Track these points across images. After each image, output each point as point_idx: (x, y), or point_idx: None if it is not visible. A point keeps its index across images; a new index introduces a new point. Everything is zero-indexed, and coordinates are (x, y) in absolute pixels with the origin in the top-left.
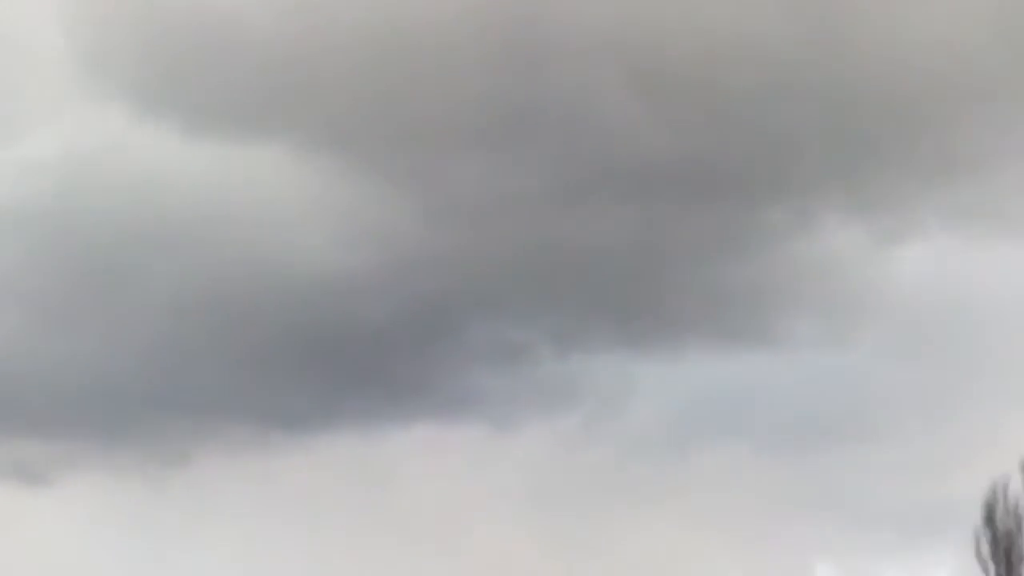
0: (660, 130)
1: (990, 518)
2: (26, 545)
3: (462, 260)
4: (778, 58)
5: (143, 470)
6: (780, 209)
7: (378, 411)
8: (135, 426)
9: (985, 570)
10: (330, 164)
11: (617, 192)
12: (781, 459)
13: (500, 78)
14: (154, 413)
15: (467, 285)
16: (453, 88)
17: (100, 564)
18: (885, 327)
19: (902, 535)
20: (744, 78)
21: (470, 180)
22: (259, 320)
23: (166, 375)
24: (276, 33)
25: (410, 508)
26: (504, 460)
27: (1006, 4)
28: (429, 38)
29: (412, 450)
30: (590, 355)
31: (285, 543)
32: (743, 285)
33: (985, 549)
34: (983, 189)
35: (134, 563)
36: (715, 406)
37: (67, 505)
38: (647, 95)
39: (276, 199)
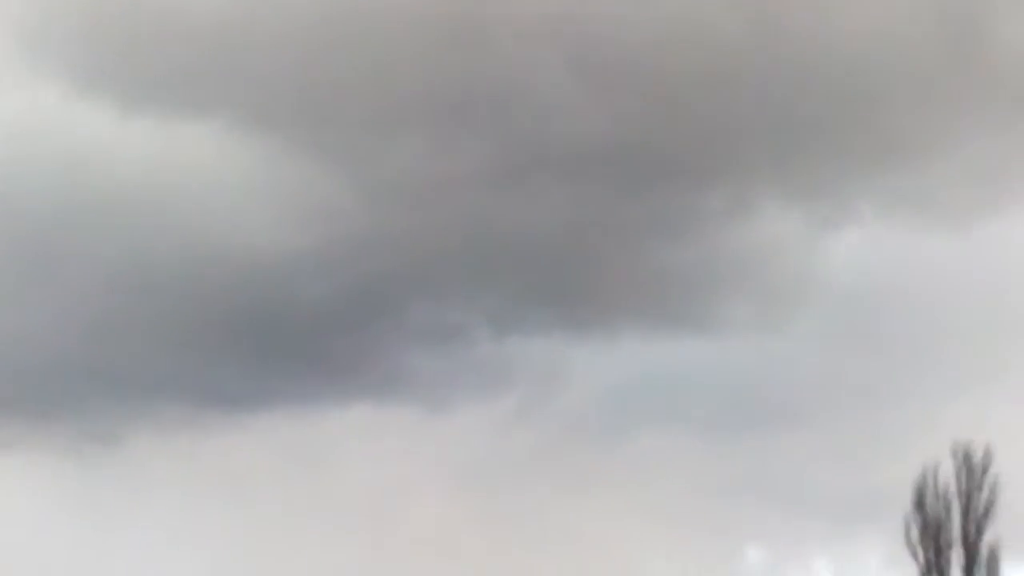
0: (600, 114)
1: (920, 504)
2: None
3: (401, 241)
4: (719, 46)
5: (77, 448)
6: (718, 195)
7: (315, 391)
8: (69, 405)
9: (914, 555)
10: (269, 143)
11: (557, 175)
12: (715, 443)
13: (441, 60)
14: (89, 392)
15: (405, 266)
16: (394, 69)
17: (33, 541)
18: (820, 313)
19: (833, 520)
20: (685, 65)
21: (410, 161)
22: (196, 299)
23: (101, 354)
24: (216, 11)
25: (345, 488)
26: (439, 441)
27: None
28: (370, 19)
29: (348, 430)
30: (527, 337)
31: (219, 522)
32: (680, 270)
33: (915, 534)
34: (918, 178)
35: (68, 540)
36: (650, 390)
37: (0, 482)
38: (588, 79)
39: (214, 178)
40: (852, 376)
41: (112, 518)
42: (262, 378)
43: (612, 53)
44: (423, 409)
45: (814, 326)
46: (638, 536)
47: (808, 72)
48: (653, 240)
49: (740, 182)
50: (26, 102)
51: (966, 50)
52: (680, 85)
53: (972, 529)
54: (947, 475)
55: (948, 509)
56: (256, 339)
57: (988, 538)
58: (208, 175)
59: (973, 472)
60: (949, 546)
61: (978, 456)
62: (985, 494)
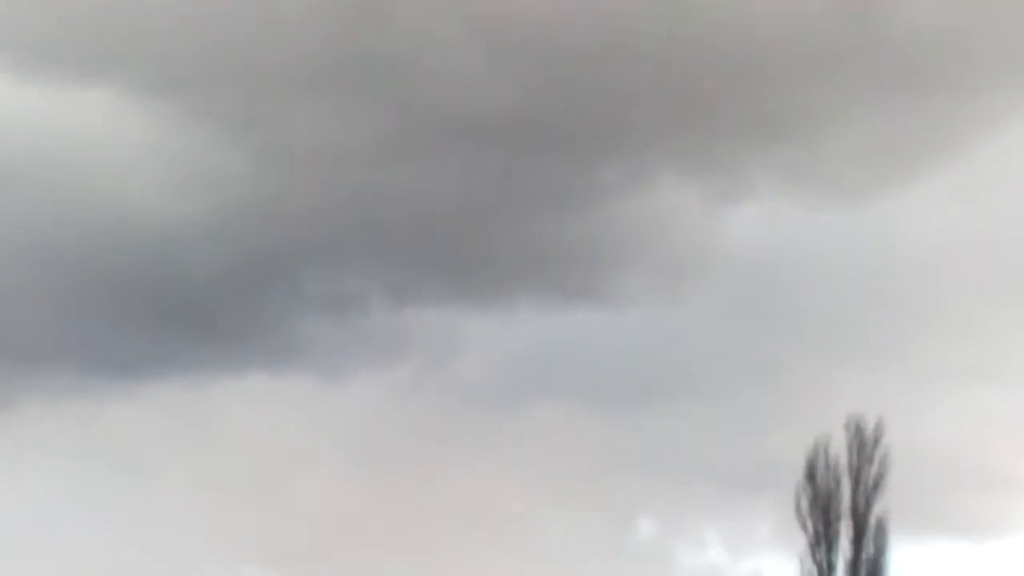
0: (499, 83)
1: (811, 476)
2: None
3: (297, 209)
4: (617, 18)
5: None
6: (615, 167)
7: (208, 359)
8: None
9: (803, 526)
10: (162, 108)
11: (454, 145)
12: (610, 415)
13: (338, 25)
14: None
15: (301, 234)
16: (290, 34)
17: None
18: (715, 286)
19: (725, 492)
20: (583, 37)
21: (307, 129)
22: (88, 266)
23: None
24: None
25: (238, 457)
26: (334, 410)
27: None
28: None
29: (242, 399)
30: (422, 307)
31: (110, 489)
32: (577, 241)
33: (805, 506)
34: (813, 154)
35: None
36: (546, 361)
37: None
38: (487, 48)
39: (107, 144)
40: (747, 349)
41: (1, 485)
42: (155, 346)
43: (511, 24)
44: (318, 378)
45: (710, 299)
46: (531, 506)
47: (706, 46)
48: (550, 211)
49: (638, 155)
50: None
51: (862, 28)
52: (578, 57)
53: (861, 501)
54: (839, 448)
55: (838, 481)
56: (149, 306)
57: (877, 510)
58: (101, 141)
59: (864, 445)
60: (838, 518)
61: (869, 429)
62: (875, 467)
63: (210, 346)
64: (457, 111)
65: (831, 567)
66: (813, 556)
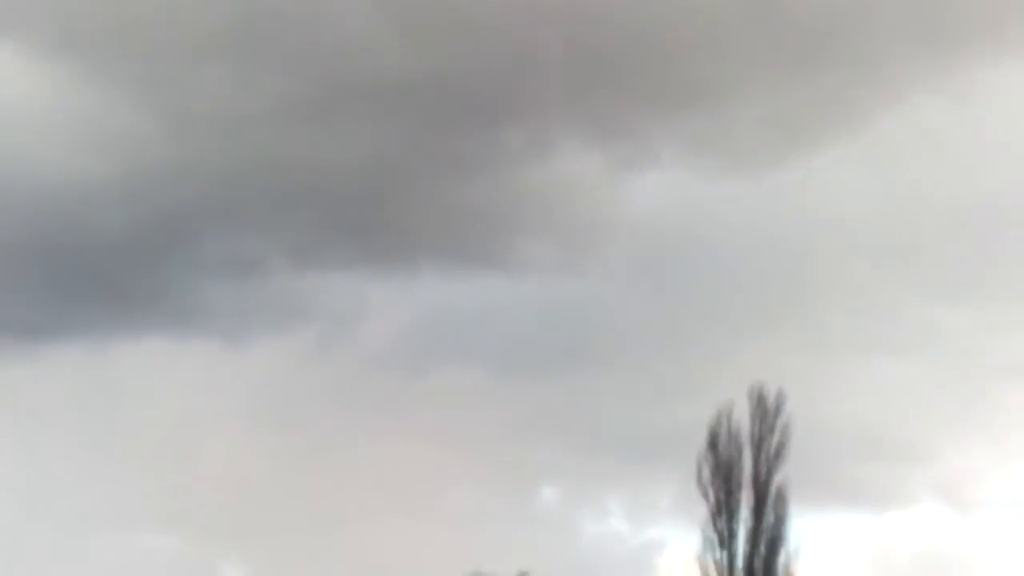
0: (402, 50)
1: (714, 444)
2: None
3: (200, 173)
4: None
5: None
6: (520, 133)
7: (110, 322)
8: None
9: (705, 495)
10: (65, 70)
11: (358, 110)
12: (512, 381)
13: None
14: None
15: (204, 198)
16: None
17: None
18: (619, 254)
19: (628, 460)
20: (488, 3)
21: (211, 92)
22: None
23: None
24: None
25: (139, 420)
26: (236, 375)
27: None
28: None
29: (144, 362)
30: (326, 272)
31: (10, 452)
32: (481, 207)
33: (706, 474)
34: (716, 125)
35: None
36: (449, 327)
37: None
38: (391, 15)
39: (9, 104)
40: (650, 317)
41: None
42: (56, 308)
43: None
44: (221, 342)
45: (613, 266)
46: (434, 472)
47: (611, 15)
48: (454, 177)
49: (541, 121)
50: None
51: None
52: (483, 23)
53: (763, 470)
54: (741, 417)
55: (740, 450)
56: (51, 269)
57: (778, 480)
58: (2, 100)
59: (766, 414)
60: (740, 487)
61: (771, 399)
62: (776, 437)
63: (112, 309)
64: (361, 76)
65: (732, 535)
66: (714, 525)
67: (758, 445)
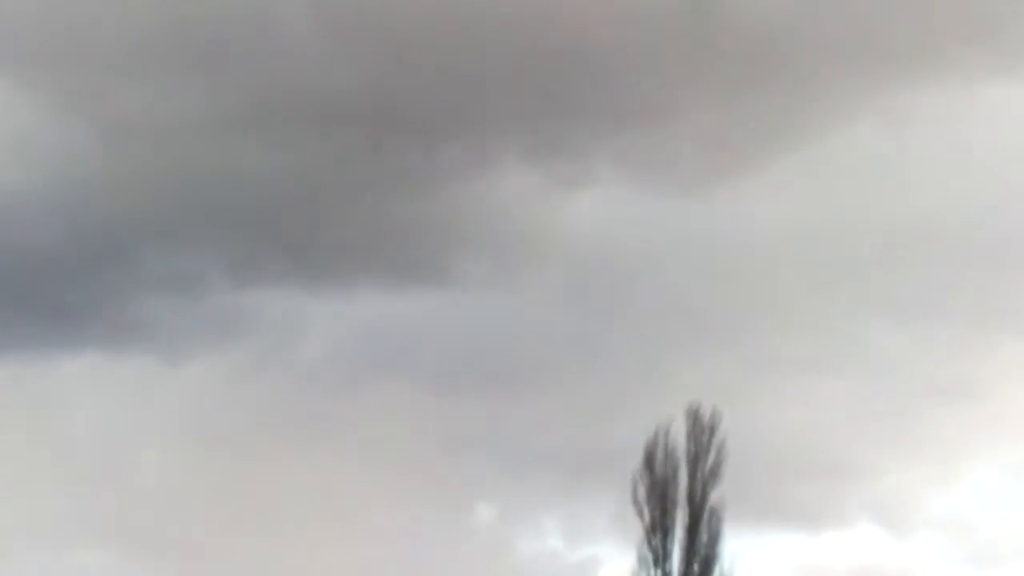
0: (342, 61)
1: (650, 463)
2: None
3: (136, 186)
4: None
5: None
6: (458, 148)
7: (43, 338)
8: None
9: (640, 514)
10: None
11: (297, 125)
12: (448, 399)
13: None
14: None
15: (140, 212)
16: (133, 9)
17: None
18: (555, 272)
19: (563, 477)
20: (427, 18)
21: (147, 104)
22: None
23: None
24: None
25: (73, 439)
26: (172, 391)
27: None
28: None
29: (76, 379)
30: (264, 288)
31: None
32: (418, 223)
33: (642, 493)
34: (656, 141)
35: None
36: (385, 344)
37: None
38: (330, 29)
39: None
40: (588, 336)
41: None
42: None
43: (353, 4)
44: (156, 359)
45: (550, 284)
46: (369, 489)
47: (548, 32)
48: (392, 193)
49: (480, 138)
50: None
51: (708, 16)
52: (422, 39)
53: (698, 489)
54: (678, 435)
55: (676, 469)
56: None
57: (713, 499)
58: None
59: (702, 433)
60: (675, 505)
61: (707, 418)
62: (712, 456)
63: (45, 323)
64: (299, 91)
65: (666, 554)
66: (649, 543)
67: (694, 464)
